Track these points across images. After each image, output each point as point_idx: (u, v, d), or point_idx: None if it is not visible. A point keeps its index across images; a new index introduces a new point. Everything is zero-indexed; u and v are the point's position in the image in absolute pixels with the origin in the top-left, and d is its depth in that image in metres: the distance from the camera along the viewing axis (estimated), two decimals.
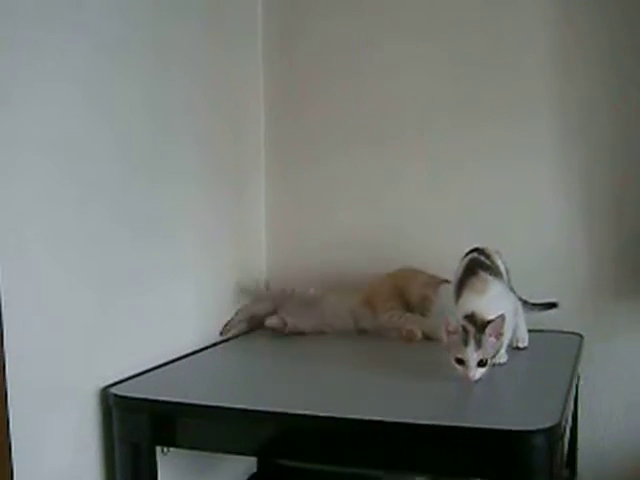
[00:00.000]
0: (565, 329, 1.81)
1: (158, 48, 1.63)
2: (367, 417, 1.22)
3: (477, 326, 1.33)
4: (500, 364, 1.47)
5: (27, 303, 1.26)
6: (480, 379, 1.32)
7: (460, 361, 1.33)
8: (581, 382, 1.72)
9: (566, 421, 1.24)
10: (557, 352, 1.67)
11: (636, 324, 1.82)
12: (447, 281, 1.73)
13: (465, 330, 1.32)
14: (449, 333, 1.34)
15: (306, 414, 1.26)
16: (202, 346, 1.77)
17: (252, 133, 2.08)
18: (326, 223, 2.08)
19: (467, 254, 1.54)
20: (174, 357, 1.65)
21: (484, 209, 1.92)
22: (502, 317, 1.33)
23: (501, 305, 1.40)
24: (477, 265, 1.48)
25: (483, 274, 1.45)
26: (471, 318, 1.34)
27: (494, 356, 1.35)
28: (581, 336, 1.78)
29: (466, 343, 1.31)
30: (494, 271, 1.49)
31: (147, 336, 1.58)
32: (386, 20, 1.97)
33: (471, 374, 1.32)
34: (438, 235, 1.87)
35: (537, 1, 1.86)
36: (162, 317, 1.64)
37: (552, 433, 1.14)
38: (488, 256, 1.53)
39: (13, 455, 1.20)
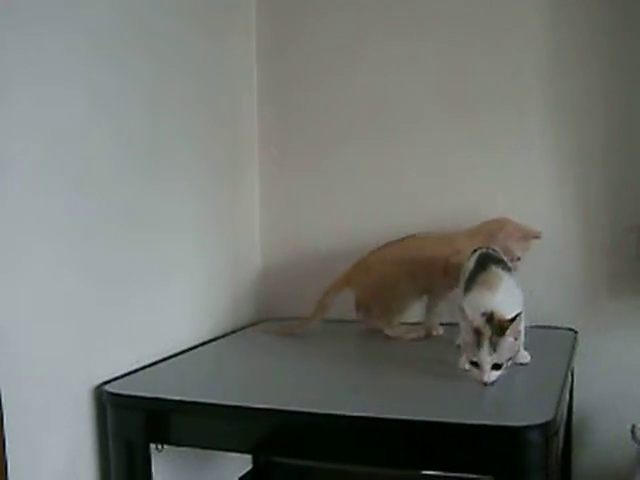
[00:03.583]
0: (559, 325, 1.82)
1: (152, 44, 1.62)
2: (363, 414, 1.22)
3: (495, 328, 1.27)
4: (523, 364, 1.46)
5: (20, 301, 1.25)
6: (494, 382, 1.30)
7: (474, 363, 1.30)
8: (575, 377, 1.73)
9: (561, 416, 1.24)
10: (552, 347, 1.67)
11: (630, 319, 1.82)
12: (537, 237, 1.69)
13: (478, 332, 1.28)
14: (465, 332, 1.31)
15: (301, 411, 1.26)
16: (197, 343, 1.76)
17: (246, 129, 2.08)
18: (320, 219, 2.08)
19: (474, 252, 1.52)
20: (168, 354, 1.64)
21: (479, 204, 1.91)
22: (520, 316, 1.29)
23: (514, 301, 1.37)
24: (489, 259, 1.45)
25: (495, 268, 1.42)
26: (489, 318, 1.29)
27: (511, 358, 1.30)
28: (575, 331, 1.79)
29: (479, 346, 1.28)
30: (506, 265, 1.46)
31: (141, 333, 1.58)
32: (380, 15, 1.97)
33: (485, 377, 1.28)
34: (433, 229, 1.86)
35: None
36: (156, 314, 1.63)
37: (547, 428, 1.14)
38: (496, 251, 1.52)
39: (7, 452, 1.19)
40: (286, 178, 2.11)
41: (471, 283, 1.41)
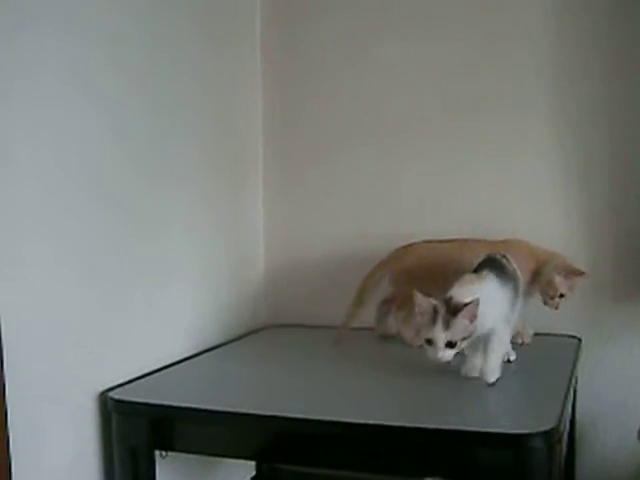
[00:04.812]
0: (563, 332, 1.82)
1: (156, 47, 1.63)
2: (365, 421, 1.22)
3: (449, 307, 1.33)
4: (509, 361, 1.50)
5: (25, 307, 1.26)
6: (450, 361, 1.34)
7: (429, 341, 1.33)
8: (579, 385, 1.73)
9: (564, 424, 1.25)
10: (555, 355, 1.67)
11: (634, 327, 1.82)
12: (582, 274, 1.65)
13: (435, 310, 1.33)
14: (421, 314, 1.35)
15: (304, 418, 1.26)
16: (201, 349, 1.77)
17: (250, 133, 2.08)
18: (324, 223, 2.08)
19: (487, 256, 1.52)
20: (173, 361, 1.65)
21: (482, 210, 1.92)
22: (476, 301, 1.32)
23: (486, 304, 1.38)
24: (487, 263, 1.47)
25: (486, 272, 1.43)
26: (446, 300, 1.34)
27: (466, 338, 1.33)
28: (579, 339, 1.79)
29: (434, 322, 1.32)
30: (503, 272, 1.46)
31: (145, 340, 1.58)
32: (385, 18, 1.98)
33: (439, 354, 1.33)
34: (436, 234, 1.86)
35: None
36: (160, 320, 1.64)
37: (551, 436, 1.14)
38: (507, 259, 1.52)
39: (12, 459, 1.20)
40: (290, 182, 2.11)
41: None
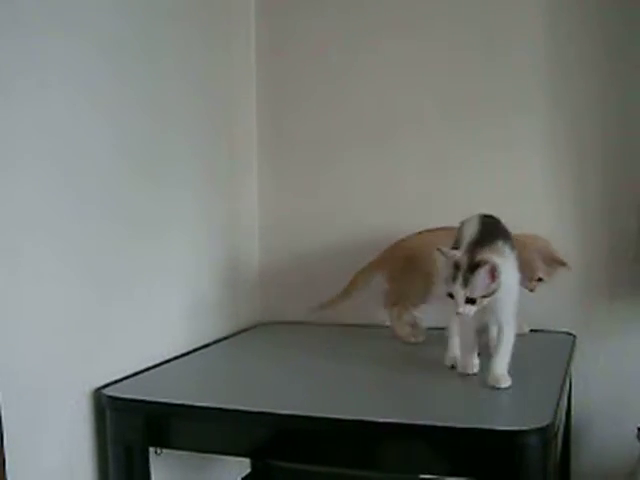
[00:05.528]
0: (558, 329, 1.82)
1: (153, 50, 1.63)
2: (361, 417, 1.22)
3: (471, 263, 1.31)
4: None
5: (20, 304, 1.25)
6: (470, 315, 1.32)
7: (451, 295, 1.33)
8: (574, 381, 1.73)
9: (559, 420, 1.25)
10: (550, 351, 1.67)
11: (628, 323, 1.83)
12: (563, 264, 1.65)
13: (456, 266, 1.31)
14: (445, 267, 1.34)
15: (299, 415, 1.26)
16: (195, 346, 1.76)
17: (244, 133, 2.08)
18: (319, 222, 2.07)
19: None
20: (167, 358, 1.64)
21: (477, 208, 1.90)
22: (495, 263, 1.30)
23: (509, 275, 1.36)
24: (492, 229, 1.41)
25: (501, 244, 1.37)
26: (468, 255, 1.32)
27: (488, 296, 1.31)
28: (574, 335, 1.79)
29: (454, 279, 1.31)
30: (510, 240, 1.41)
31: (140, 337, 1.58)
32: (380, 18, 1.97)
33: (460, 309, 1.32)
34: None
35: None
36: (155, 317, 1.64)
37: (546, 432, 1.14)
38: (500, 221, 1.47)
39: (6, 455, 1.19)
40: (285, 183, 2.11)
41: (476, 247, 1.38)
